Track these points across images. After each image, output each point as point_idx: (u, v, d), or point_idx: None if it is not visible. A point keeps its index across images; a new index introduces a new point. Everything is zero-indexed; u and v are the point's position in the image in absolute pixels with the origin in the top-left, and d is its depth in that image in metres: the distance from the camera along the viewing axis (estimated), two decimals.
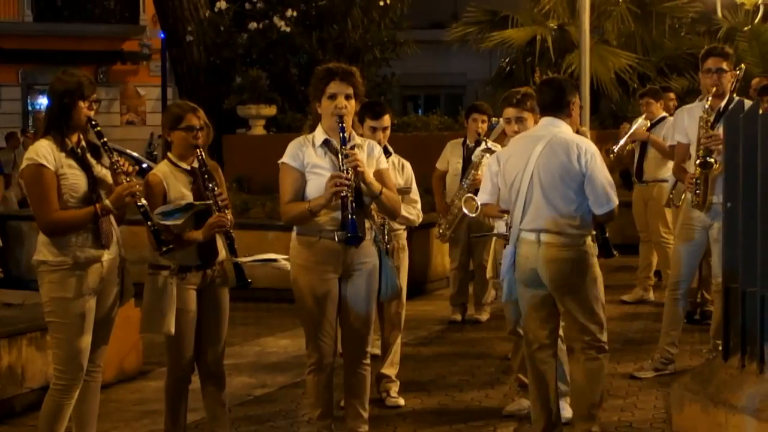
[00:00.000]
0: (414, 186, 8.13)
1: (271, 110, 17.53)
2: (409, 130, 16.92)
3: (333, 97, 6.40)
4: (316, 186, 6.37)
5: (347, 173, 6.27)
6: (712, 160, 8.15)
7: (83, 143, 6.12)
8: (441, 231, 10.90)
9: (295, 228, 6.57)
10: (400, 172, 8.12)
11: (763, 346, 6.22)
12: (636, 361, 9.18)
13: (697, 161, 8.21)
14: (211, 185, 6.39)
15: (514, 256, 6.80)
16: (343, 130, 6.37)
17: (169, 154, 6.51)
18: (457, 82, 32.69)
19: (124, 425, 7.65)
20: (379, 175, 6.55)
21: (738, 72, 10.63)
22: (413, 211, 8.00)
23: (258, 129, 17.60)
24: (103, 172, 6.15)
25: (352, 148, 6.41)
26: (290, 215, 6.47)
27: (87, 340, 6.08)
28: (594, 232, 6.82)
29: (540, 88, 7.18)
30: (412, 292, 10.54)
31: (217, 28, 18.40)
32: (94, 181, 6.06)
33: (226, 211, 6.40)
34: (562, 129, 6.81)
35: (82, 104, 6.02)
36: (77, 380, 6.09)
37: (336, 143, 6.42)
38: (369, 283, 6.59)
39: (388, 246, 7.79)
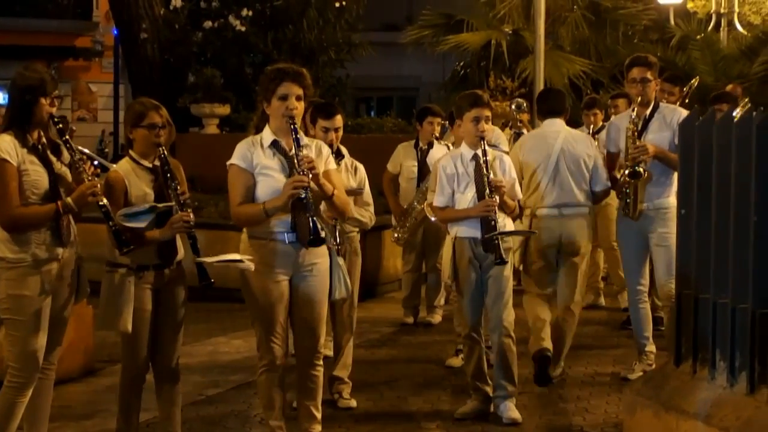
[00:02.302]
0: (367, 188, 8.13)
1: (224, 109, 17.52)
2: (363, 131, 16.93)
3: (284, 98, 6.35)
4: (266, 187, 6.35)
5: (304, 174, 6.24)
6: (641, 169, 8.28)
7: (44, 140, 6.09)
8: (398, 235, 10.90)
9: (245, 230, 6.54)
10: (353, 174, 8.12)
11: (715, 352, 6.28)
12: (587, 366, 9.25)
13: (627, 171, 8.34)
14: (173, 184, 6.35)
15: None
16: (295, 131, 6.33)
17: (131, 152, 6.48)
18: (410, 84, 32.64)
19: (75, 424, 7.60)
20: (328, 175, 6.51)
21: (693, 82, 10.76)
22: (366, 214, 8.00)
23: (211, 128, 17.56)
24: (63, 169, 6.12)
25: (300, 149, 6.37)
26: (243, 217, 6.43)
27: (43, 338, 6.05)
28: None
29: (546, 96, 9.24)
30: (364, 295, 10.56)
31: (171, 26, 18.36)
32: (55, 178, 6.03)
33: (189, 210, 6.37)
34: (565, 127, 8.74)
35: (44, 101, 5.99)
36: (32, 378, 6.06)
37: (284, 144, 6.41)
38: (321, 283, 6.57)
39: (339, 248, 7.78)
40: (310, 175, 6.26)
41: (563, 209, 8.45)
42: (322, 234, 6.43)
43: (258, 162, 6.38)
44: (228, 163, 6.46)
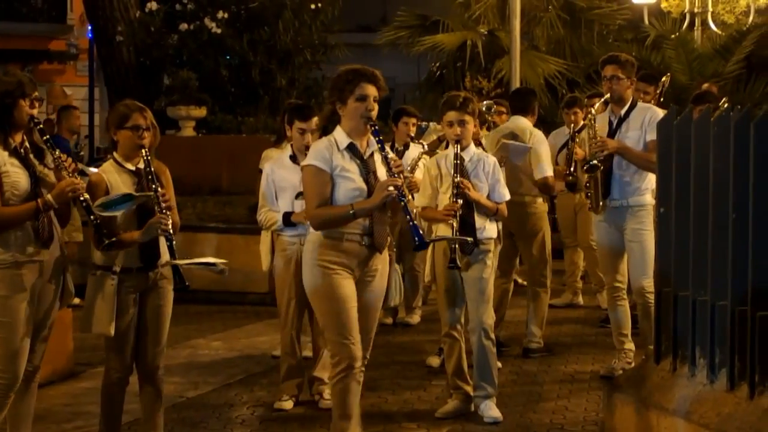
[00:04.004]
0: None
1: (201, 112, 17.47)
2: None
3: (362, 98, 6.22)
4: (346, 190, 6.21)
5: (398, 178, 6.13)
6: (596, 162, 8.34)
7: (27, 144, 6.09)
8: None
9: (315, 231, 6.33)
10: None
11: (695, 349, 6.31)
12: (566, 365, 9.28)
13: (584, 166, 8.41)
14: (154, 186, 6.34)
15: None
16: (377, 133, 6.23)
17: (114, 154, 6.47)
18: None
19: (56, 427, 7.59)
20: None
21: (664, 79, 10.83)
22: None
23: (188, 130, 17.52)
24: (45, 171, 6.11)
25: (373, 154, 6.30)
26: (325, 219, 6.23)
27: (26, 340, 6.04)
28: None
29: (513, 94, 10.51)
30: None
31: (147, 29, 18.29)
32: (35, 179, 6.02)
33: (169, 213, 6.35)
34: (522, 122, 9.74)
35: (23, 103, 5.99)
36: (16, 380, 6.04)
37: (359, 147, 6.28)
38: (381, 288, 6.47)
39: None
40: (402, 179, 6.15)
41: (513, 196, 8.80)
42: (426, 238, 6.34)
43: (338, 163, 6.24)
44: (303, 163, 6.35)
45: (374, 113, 6.25)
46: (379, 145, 6.24)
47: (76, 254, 10.93)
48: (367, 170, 6.28)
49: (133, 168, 6.43)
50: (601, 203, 8.50)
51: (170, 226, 6.35)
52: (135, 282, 6.39)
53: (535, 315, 9.71)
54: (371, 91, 6.25)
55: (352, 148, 6.28)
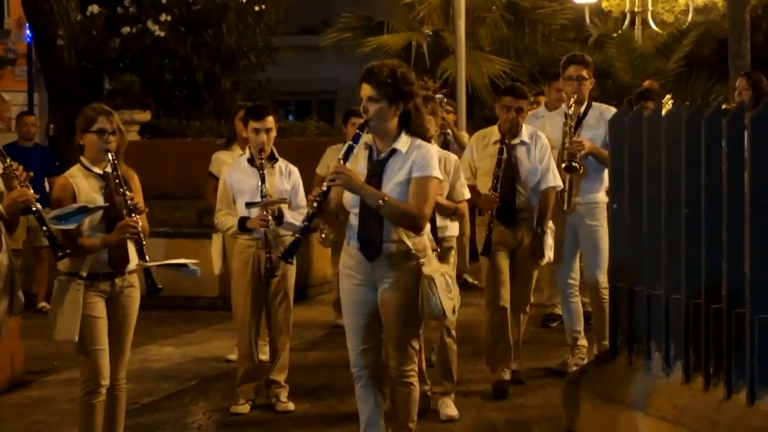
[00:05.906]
0: (301, 192, 8.11)
1: (145, 116, 17.36)
2: (285, 135, 16.89)
3: (361, 99, 5.96)
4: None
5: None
6: (576, 164, 8.40)
7: None
8: (324, 236, 10.86)
9: None
10: (287, 177, 8.13)
11: (650, 343, 6.38)
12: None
13: (563, 165, 8.46)
14: (122, 190, 6.28)
15: None
16: (357, 137, 5.95)
17: (81, 158, 6.42)
18: (328, 87, 32.54)
19: None
20: (412, 184, 5.91)
21: None
22: (299, 217, 7.95)
23: (132, 135, 17.37)
24: None
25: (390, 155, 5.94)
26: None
27: None
28: None
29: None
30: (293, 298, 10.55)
31: (88, 32, 18.10)
32: None
33: (137, 216, 6.29)
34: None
35: None
36: None
37: (376, 147, 6.02)
38: (397, 299, 5.96)
39: (271, 252, 7.79)
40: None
41: None
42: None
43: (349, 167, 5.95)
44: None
45: (368, 115, 5.91)
46: (345, 153, 5.92)
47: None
48: (378, 172, 5.95)
49: (101, 172, 6.37)
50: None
51: (140, 230, 6.29)
52: (102, 287, 6.32)
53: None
54: (364, 91, 5.95)
55: (370, 149, 6.05)
